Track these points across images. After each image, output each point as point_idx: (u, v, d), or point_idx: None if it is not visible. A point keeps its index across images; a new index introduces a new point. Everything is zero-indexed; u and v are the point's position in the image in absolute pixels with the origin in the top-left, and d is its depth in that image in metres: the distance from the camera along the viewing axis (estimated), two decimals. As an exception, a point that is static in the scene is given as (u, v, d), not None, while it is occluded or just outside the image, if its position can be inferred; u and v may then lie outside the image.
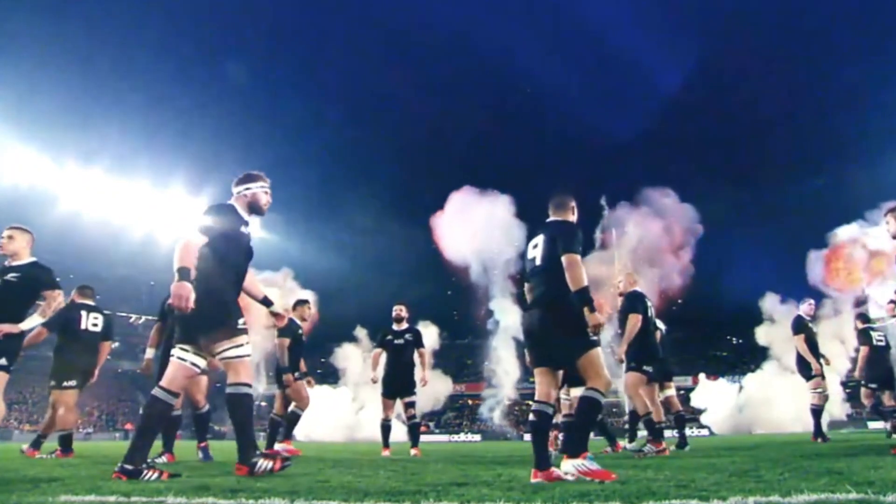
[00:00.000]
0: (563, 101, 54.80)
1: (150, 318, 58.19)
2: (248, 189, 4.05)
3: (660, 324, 7.60)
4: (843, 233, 22.73)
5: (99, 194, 41.12)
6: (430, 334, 26.70)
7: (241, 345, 3.72)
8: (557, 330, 3.42)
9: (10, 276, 4.76)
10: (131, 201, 41.78)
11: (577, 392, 6.44)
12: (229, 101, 55.89)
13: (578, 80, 56.65)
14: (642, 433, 7.09)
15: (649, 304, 6.55)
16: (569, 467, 3.19)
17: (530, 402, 3.53)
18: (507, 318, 31.85)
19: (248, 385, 3.72)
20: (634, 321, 6.18)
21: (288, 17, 59.04)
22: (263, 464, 3.61)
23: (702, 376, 33.38)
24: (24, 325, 4.69)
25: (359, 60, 58.84)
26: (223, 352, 3.68)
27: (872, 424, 23.24)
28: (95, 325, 6.90)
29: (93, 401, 46.15)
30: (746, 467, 3.83)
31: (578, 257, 3.40)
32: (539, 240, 3.69)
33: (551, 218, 3.79)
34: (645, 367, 6.16)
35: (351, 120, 57.56)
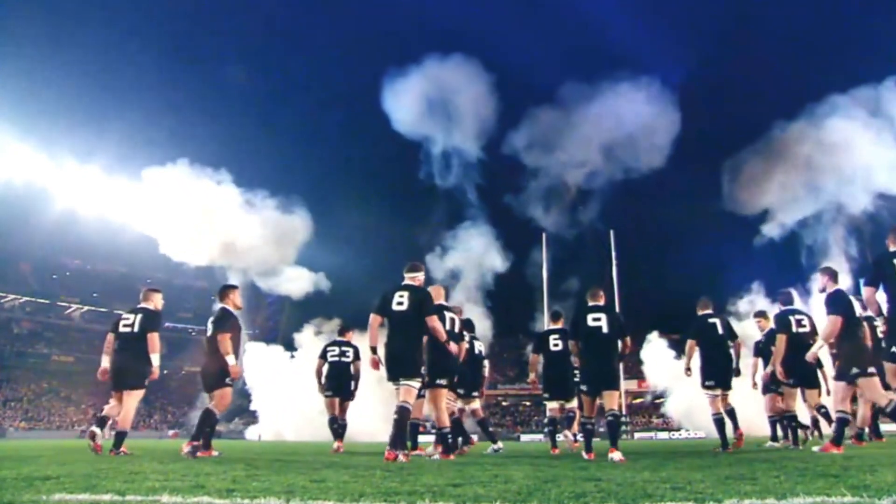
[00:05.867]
0: (561, 100, 54.69)
1: (146, 316, 57.74)
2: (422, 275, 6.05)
3: (478, 346, 8.41)
4: None
5: (96, 192, 40.89)
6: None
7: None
8: (616, 374, 6.09)
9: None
10: (129, 199, 41.55)
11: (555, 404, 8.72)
12: (229, 101, 55.85)
13: (577, 77, 56.52)
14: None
15: (448, 316, 6.58)
16: (616, 455, 5.28)
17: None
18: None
19: (409, 403, 5.61)
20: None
21: (289, 17, 59.02)
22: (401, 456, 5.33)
23: (654, 335, 29.20)
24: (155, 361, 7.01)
25: (358, 60, 58.79)
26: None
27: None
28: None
29: (89, 399, 45.99)
30: (742, 470, 3.84)
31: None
32: (601, 315, 5.98)
33: (595, 303, 6.10)
34: (438, 381, 6.30)
35: (351, 120, 57.49)
